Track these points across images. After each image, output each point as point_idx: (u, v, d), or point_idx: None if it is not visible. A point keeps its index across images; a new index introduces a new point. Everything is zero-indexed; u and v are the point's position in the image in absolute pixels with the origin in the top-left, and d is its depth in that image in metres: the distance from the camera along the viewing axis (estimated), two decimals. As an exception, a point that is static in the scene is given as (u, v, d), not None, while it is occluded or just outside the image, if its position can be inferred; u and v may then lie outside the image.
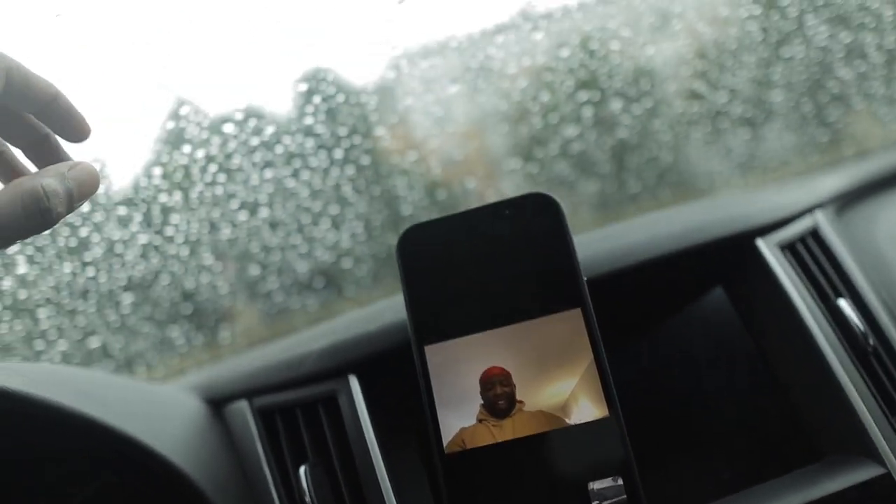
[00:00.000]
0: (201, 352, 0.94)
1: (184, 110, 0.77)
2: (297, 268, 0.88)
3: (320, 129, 0.79)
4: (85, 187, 0.37)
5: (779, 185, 0.94)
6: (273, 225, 0.83)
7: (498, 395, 0.46)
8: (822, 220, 0.64)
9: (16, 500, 0.51)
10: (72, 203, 0.36)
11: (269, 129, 0.80)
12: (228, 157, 0.76)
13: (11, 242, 0.33)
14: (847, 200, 0.75)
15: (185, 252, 0.81)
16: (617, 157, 0.95)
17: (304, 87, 0.82)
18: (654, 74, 0.94)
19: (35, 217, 0.34)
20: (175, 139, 0.78)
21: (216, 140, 0.75)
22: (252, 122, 0.80)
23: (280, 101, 0.83)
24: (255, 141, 0.77)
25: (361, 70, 0.84)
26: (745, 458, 0.52)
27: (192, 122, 0.77)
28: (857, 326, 0.54)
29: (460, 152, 0.89)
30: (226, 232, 0.82)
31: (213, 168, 0.76)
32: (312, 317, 0.94)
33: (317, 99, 0.81)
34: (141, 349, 0.90)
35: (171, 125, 0.79)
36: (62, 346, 0.84)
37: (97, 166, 0.36)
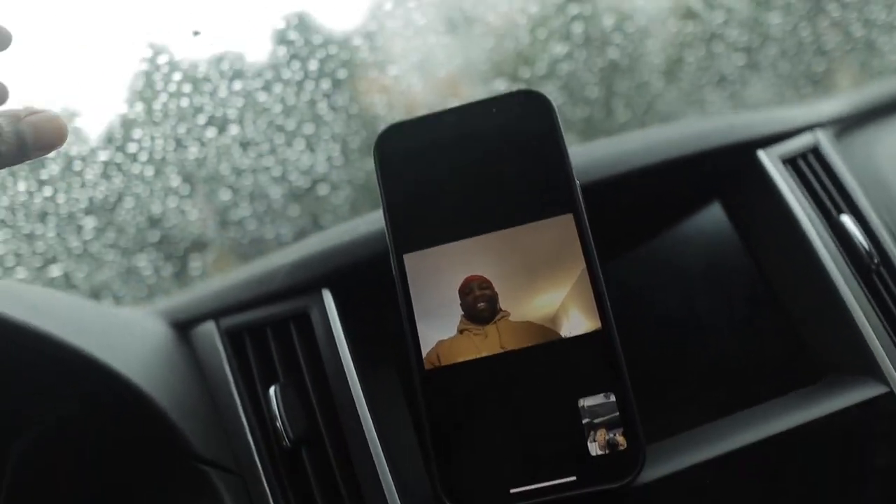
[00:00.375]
0: (171, 282, 0.90)
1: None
2: (271, 193, 0.84)
3: (293, 35, 0.74)
4: (44, 136, 0.33)
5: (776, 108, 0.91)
6: (244, 144, 0.78)
7: (477, 297, 0.43)
8: (823, 139, 0.61)
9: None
10: (24, 149, 0.33)
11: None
12: (194, 64, 0.71)
13: None
14: (846, 125, 0.73)
15: (149, 172, 0.76)
16: (607, 81, 0.90)
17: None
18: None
19: None
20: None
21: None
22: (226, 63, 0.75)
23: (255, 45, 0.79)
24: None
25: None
26: (741, 379, 0.50)
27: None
28: (861, 244, 0.51)
29: (443, 70, 0.85)
30: (193, 150, 0.77)
31: (177, 76, 0.71)
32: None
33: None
34: (106, 279, 0.86)
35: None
36: (20, 273, 0.79)
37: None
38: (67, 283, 0.84)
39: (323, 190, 0.87)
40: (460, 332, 0.43)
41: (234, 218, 0.87)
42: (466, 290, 0.44)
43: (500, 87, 0.88)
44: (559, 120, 0.45)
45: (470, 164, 0.45)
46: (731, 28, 0.93)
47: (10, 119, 0.32)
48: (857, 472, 0.43)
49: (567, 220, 0.44)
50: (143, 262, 0.87)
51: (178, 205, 0.82)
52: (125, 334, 0.52)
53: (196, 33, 0.67)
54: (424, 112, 0.47)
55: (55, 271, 0.82)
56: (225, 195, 0.84)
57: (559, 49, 0.86)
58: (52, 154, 0.73)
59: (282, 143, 0.80)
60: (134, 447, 0.50)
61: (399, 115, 0.85)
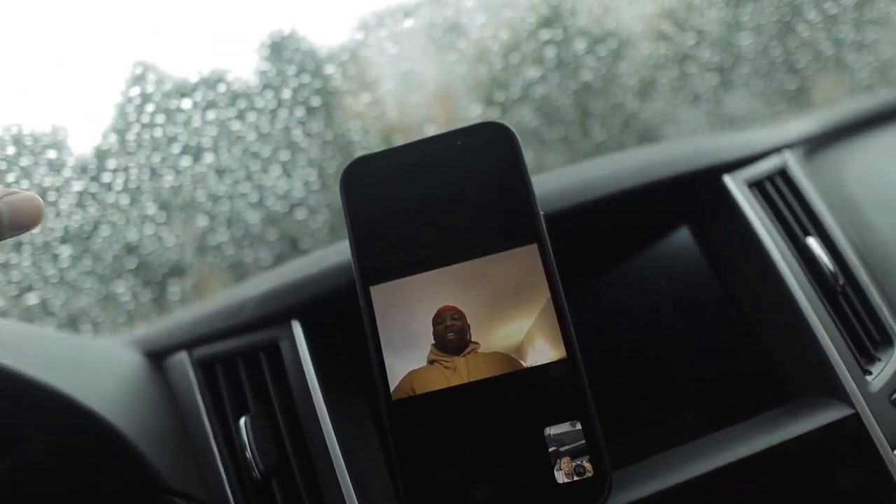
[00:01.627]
0: (150, 308, 0.90)
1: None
2: (248, 219, 0.84)
3: (265, 66, 0.74)
4: (20, 216, 0.33)
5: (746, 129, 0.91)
6: (219, 172, 0.78)
7: (448, 327, 0.43)
8: (791, 160, 0.62)
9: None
10: None
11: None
12: (166, 96, 0.71)
13: None
14: (816, 144, 0.73)
15: (124, 200, 0.76)
16: (581, 103, 0.91)
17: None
18: (620, 13, 0.90)
19: None
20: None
21: (151, 77, 0.70)
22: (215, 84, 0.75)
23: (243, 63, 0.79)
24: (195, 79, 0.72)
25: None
26: (709, 403, 0.50)
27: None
28: (827, 266, 0.52)
29: (417, 95, 0.85)
30: (168, 179, 0.77)
31: (149, 108, 0.71)
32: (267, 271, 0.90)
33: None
34: (84, 305, 0.85)
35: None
36: (-3, 302, 0.79)
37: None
38: (45, 310, 0.83)
39: (301, 214, 0.87)
40: (430, 362, 0.43)
41: (212, 243, 0.86)
42: (438, 321, 0.44)
43: (475, 111, 0.88)
44: (522, 151, 0.46)
45: (435, 195, 0.46)
46: (703, 49, 0.94)
47: None
48: (820, 495, 0.44)
49: (532, 250, 0.44)
50: (121, 288, 0.87)
51: (154, 231, 0.82)
52: (96, 367, 0.52)
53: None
54: (400, 137, 0.47)
55: (32, 299, 0.82)
56: (202, 221, 0.84)
57: (532, 73, 0.87)
58: (24, 185, 0.73)
59: (258, 170, 0.81)
60: (105, 480, 0.50)
61: (374, 140, 0.86)
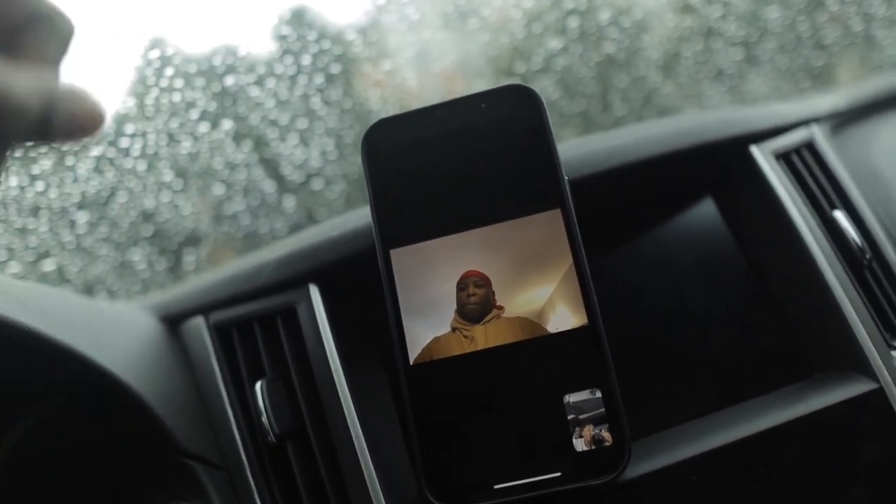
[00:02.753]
0: (165, 277, 0.90)
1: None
2: (264, 188, 0.84)
3: (285, 30, 0.73)
4: (76, 123, 0.26)
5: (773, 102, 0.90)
6: (237, 139, 0.78)
7: (470, 294, 0.43)
8: (818, 134, 0.61)
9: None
10: (48, 133, 0.26)
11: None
12: (186, 60, 0.70)
13: None
14: (843, 120, 0.72)
15: (142, 167, 0.76)
16: (603, 76, 0.90)
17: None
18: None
19: None
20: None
21: (171, 41, 0.69)
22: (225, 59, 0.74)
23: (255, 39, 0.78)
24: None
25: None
26: (730, 376, 0.49)
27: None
28: (854, 239, 0.51)
29: (438, 65, 0.84)
30: (185, 145, 0.76)
31: (169, 71, 0.71)
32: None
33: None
34: (100, 273, 0.85)
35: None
36: (14, 268, 0.79)
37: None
38: (61, 277, 0.84)
39: (317, 184, 0.86)
40: (453, 329, 0.43)
41: (227, 212, 0.86)
42: (462, 286, 0.43)
43: (496, 82, 0.87)
44: (548, 115, 0.45)
45: (458, 159, 0.45)
46: (729, 22, 0.92)
47: (43, 98, 0.26)
48: (844, 469, 0.43)
49: (555, 215, 0.43)
50: (137, 256, 0.87)
51: (171, 199, 0.81)
52: (114, 330, 0.51)
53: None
54: (418, 107, 0.47)
55: (48, 266, 0.82)
56: (219, 189, 0.83)
57: (555, 44, 0.86)
58: (43, 148, 0.73)
59: (275, 138, 0.80)
60: (121, 442, 0.50)
61: (393, 110, 0.85)
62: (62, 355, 0.44)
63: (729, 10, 0.91)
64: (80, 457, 0.51)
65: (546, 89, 0.81)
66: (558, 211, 0.43)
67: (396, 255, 0.44)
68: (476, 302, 0.43)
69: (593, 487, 0.39)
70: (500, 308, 0.43)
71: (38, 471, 0.50)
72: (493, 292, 0.43)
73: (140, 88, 0.71)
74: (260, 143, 0.79)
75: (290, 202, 0.88)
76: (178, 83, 0.72)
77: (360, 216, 0.53)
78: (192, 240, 0.87)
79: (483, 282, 0.43)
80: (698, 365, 0.50)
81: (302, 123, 0.80)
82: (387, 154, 0.46)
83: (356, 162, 0.85)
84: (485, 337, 0.42)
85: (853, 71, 0.99)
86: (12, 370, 0.46)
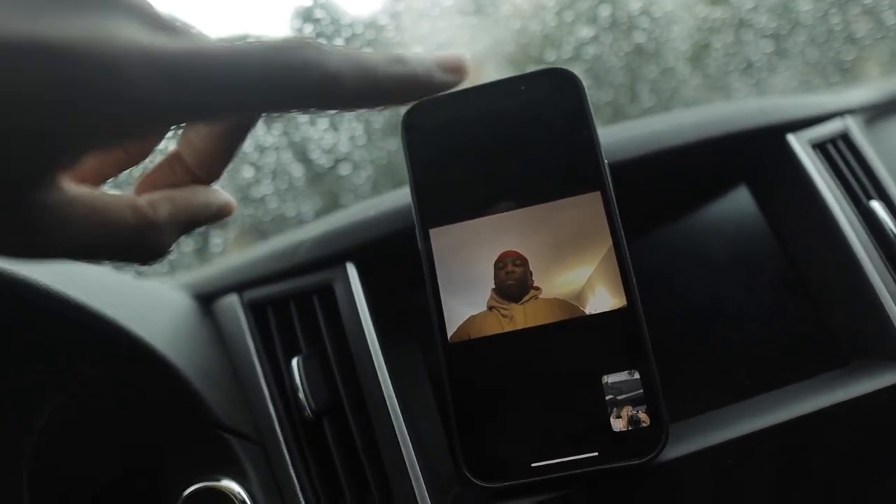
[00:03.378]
0: (192, 259, 0.91)
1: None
2: (293, 171, 0.84)
3: (319, 13, 0.73)
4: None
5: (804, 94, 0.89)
6: (267, 122, 0.78)
7: (508, 272, 0.43)
8: (853, 125, 0.61)
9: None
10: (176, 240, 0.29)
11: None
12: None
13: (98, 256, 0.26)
14: (876, 113, 0.72)
15: (172, 146, 0.76)
16: (632, 66, 0.89)
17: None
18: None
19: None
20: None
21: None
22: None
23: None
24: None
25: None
26: (767, 362, 0.50)
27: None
28: (892, 229, 0.51)
29: (469, 51, 0.84)
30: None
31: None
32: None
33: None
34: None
35: None
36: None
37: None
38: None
39: (345, 169, 0.86)
40: (489, 308, 0.43)
41: (255, 195, 0.86)
42: (500, 265, 0.44)
43: (526, 69, 0.87)
44: (588, 98, 0.45)
45: (497, 140, 0.45)
46: (760, 14, 0.91)
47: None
48: (882, 457, 0.43)
49: (595, 197, 0.43)
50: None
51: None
52: (150, 304, 0.52)
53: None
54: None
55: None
56: (248, 172, 0.84)
57: (585, 32, 0.86)
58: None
59: (305, 122, 0.80)
60: (158, 414, 0.51)
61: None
62: (101, 326, 0.45)
63: (760, 1, 0.91)
64: (118, 427, 0.51)
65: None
66: (598, 193, 0.43)
67: (436, 234, 0.45)
68: (514, 280, 0.43)
69: (630, 468, 0.40)
70: (538, 289, 0.43)
71: (77, 440, 0.51)
72: (531, 273, 0.43)
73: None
74: (290, 127, 0.79)
75: (316, 186, 0.88)
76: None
77: (396, 197, 0.53)
78: (220, 222, 0.88)
79: (521, 261, 0.44)
80: (732, 351, 0.50)
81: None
82: (426, 135, 0.46)
83: (384, 147, 0.85)
84: (524, 316, 0.43)
85: (884, 65, 0.98)
86: (51, 340, 0.47)
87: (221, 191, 0.29)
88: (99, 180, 0.30)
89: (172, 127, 0.24)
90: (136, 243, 0.25)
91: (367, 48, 0.81)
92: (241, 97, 0.23)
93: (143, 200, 0.26)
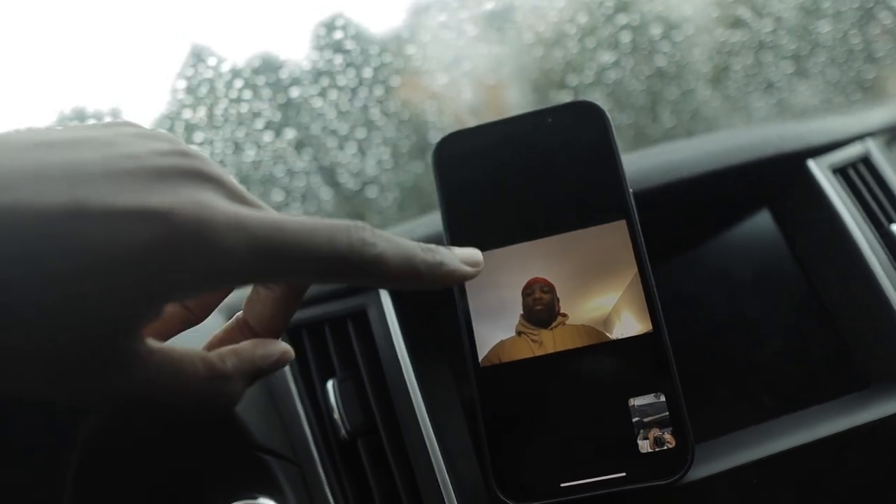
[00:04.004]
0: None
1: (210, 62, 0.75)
2: (321, 195, 0.86)
3: (350, 45, 0.76)
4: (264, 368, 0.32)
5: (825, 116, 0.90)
6: (298, 147, 0.81)
7: (537, 298, 0.45)
8: (874, 148, 0.62)
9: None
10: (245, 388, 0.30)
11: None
12: (255, 72, 0.73)
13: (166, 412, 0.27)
14: (896, 134, 0.72)
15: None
16: (653, 89, 0.91)
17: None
18: (697, -3, 0.89)
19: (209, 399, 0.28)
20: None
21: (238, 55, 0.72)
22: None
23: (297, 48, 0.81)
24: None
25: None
26: (785, 385, 0.51)
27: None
28: (912, 252, 0.52)
29: (492, 77, 0.86)
30: (250, 154, 0.79)
31: (238, 83, 0.74)
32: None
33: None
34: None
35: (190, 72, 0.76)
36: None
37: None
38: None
39: (372, 192, 0.89)
40: (518, 333, 0.45)
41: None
42: (528, 292, 0.45)
43: (548, 95, 0.89)
44: (613, 129, 0.47)
45: (525, 170, 0.47)
46: (780, 36, 0.92)
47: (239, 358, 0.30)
48: (905, 477, 0.44)
49: (620, 225, 0.45)
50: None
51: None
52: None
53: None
54: (473, 119, 0.49)
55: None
56: (278, 196, 0.86)
57: (607, 57, 0.87)
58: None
59: (334, 147, 0.83)
60: (197, 435, 0.52)
61: (449, 122, 0.87)
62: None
63: (780, 24, 0.92)
64: (157, 447, 0.53)
65: (597, 101, 0.82)
66: (623, 222, 0.45)
67: (466, 261, 0.46)
68: (542, 306, 0.45)
69: (657, 488, 0.41)
70: (565, 315, 0.45)
71: (114, 465, 0.52)
72: (558, 299, 0.45)
73: (210, 99, 0.74)
74: (320, 152, 0.82)
75: (344, 209, 0.90)
76: (247, 94, 0.75)
77: (427, 223, 0.55)
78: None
79: (549, 288, 0.45)
80: (754, 373, 0.51)
81: (360, 133, 0.83)
82: (457, 165, 0.48)
83: (411, 171, 0.87)
84: (552, 342, 0.44)
85: (905, 85, 0.99)
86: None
87: (280, 342, 0.32)
88: (165, 336, 0.33)
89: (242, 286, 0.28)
90: (208, 393, 0.28)
91: (394, 76, 0.84)
92: (311, 266, 0.26)
93: (213, 354, 0.28)
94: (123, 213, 0.23)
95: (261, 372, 0.30)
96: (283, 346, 0.32)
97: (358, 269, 0.28)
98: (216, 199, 0.25)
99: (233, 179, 0.27)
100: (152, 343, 0.26)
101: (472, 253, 0.34)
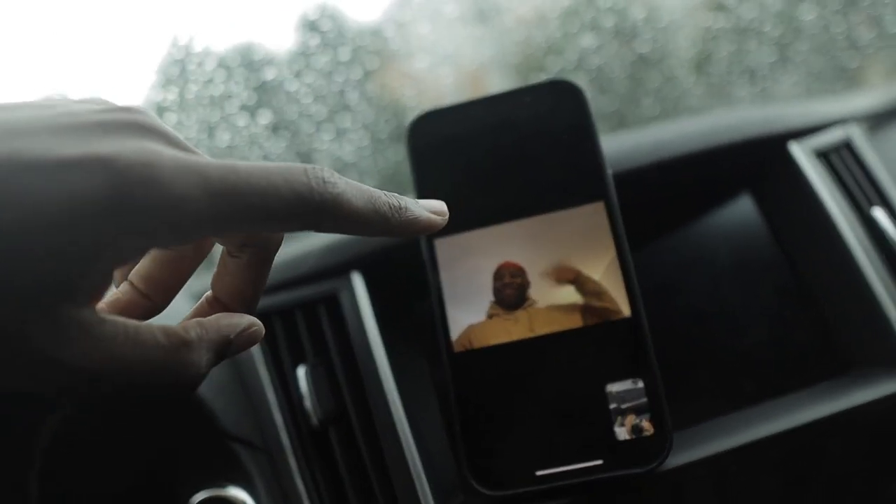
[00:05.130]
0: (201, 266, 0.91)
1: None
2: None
3: (326, 25, 0.74)
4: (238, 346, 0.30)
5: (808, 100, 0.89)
6: (274, 130, 0.79)
7: (506, 283, 0.44)
8: (856, 133, 0.61)
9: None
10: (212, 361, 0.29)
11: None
12: (229, 53, 0.71)
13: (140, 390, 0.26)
14: (879, 120, 0.72)
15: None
16: (635, 75, 0.90)
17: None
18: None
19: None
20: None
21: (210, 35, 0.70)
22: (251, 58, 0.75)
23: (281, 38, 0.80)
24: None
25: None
26: (769, 370, 0.50)
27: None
28: (894, 237, 0.51)
29: (473, 60, 0.85)
30: (224, 138, 0.78)
31: (211, 64, 0.72)
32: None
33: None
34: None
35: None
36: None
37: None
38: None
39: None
40: (489, 316, 0.44)
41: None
42: (498, 276, 0.44)
43: (529, 79, 0.87)
44: (591, 109, 0.45)
45: (502, 151, 0.46)
46: (763, 22, 0.92)
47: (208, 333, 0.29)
48: (884, 465, 0.43)
49: (598, 207, 0.44)
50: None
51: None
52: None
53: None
54: (457, 101, 0.47)
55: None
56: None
57: (589, 41, 0.86)
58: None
59: (311, 133, 0.81)
60: (164, 423, 0.51)
61: (428, 105, 0.86)
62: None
63: (763, 10, 0.91)
64: (123, 438, 0.52)
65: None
66: (601, 203, 0.44)
67: (440, 243, 0.45)
68: (512, 290, 0.44)
69: (634, 476, 0.40)
70: (533, 301, 0.43)
71: (81, 453, 0.51)
72: (530, 283, 0.44)
73: (181, 81, 0.72)
74: (296, 136, 0.80)
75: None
76: (220, 76, 0.73)
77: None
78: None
79: (518, 272, 0.44)
80: (735, 360, 0.51)
81: (338, 118, 0.81)
82: (431, 145, 0.47)
83: (390, 157, 0.86)
84: (528, 321, 0.43)
85: (887, 72, 0.99)
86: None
87: (248, 315, 0.30)
88: (161, 289, 0.31)
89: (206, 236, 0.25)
90: (171, 365, 0.26)
91: (373, 57, 0.82)
92: (270, 210, 0.25)
93: (174, 326, 0.26)
94: (65, 163, 0.21)
95: (228, 344, 0.28)
96: (250, 318, 0.30)
97: (319, 210, 0.26)
98: (162, 147, 0.24)
99: (178, 134, 0.26)
100: (103, 313, 0.24)
101: (438, 204, 0.33)
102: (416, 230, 0.31)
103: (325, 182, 0.26)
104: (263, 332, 0.31)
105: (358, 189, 0.28)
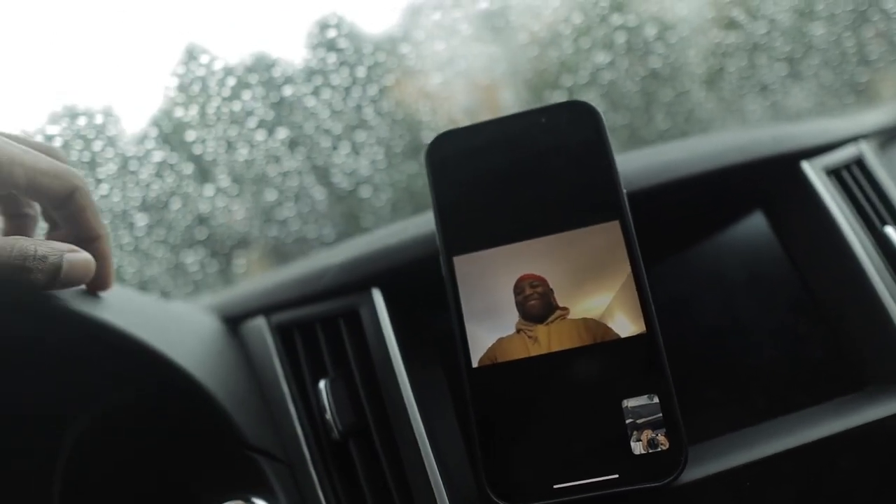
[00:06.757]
0: (215, 279, 0.92)
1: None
2: (315, 194, 0.86)
3: (343, 43, 0.75)
4: (74, 274, 0.40)
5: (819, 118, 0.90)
6: (291, 146, 0.80)
7: (528, 295, 0.45)
8: (868, 150, 0.62)
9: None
10: (54, 279, 0.38)
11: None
12: (248, 70, 0.73)
13: None
14: (890, 136, 0.72)
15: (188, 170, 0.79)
16: (647, 90, 0.91)
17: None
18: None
19: (12, 270, 0.36)
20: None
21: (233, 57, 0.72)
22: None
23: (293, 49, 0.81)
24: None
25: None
26: (782, 386, 0.50)
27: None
28: (906, 254, 0.51)
29: (486, 77, 0.86)
30: (243, 153, 0.79)
31: (231, 81, 0.73)
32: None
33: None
34: (155, 274, 0.88)
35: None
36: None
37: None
38: (118, 277, 0.86)
39: (366, 192, 0.88)
40: (517, 331, 0.45)
41: (278, 217, 0.89)
42: (518, 290, 0.45)
43: (543, 95, 0.89)
44: (606, 129, 0.46)
45: (519, 171, 0.47)
46: (774, 38, 0.92)
47: (54, 251, 0.38)
48: (897, 481, 0.44)
49: (614, 226, 0.45)
50: (190, 258, 0.90)
51: (226, 204, 0.84)
52: (180, 327, 0.53)
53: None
54: (467, 119, 0.48)
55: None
56: (271, 195, 0.86)
57: (602, 58, 0.87)
58: (109, 153, 0.76)
59: (328, 147, 0.82)
60: (188, 434, 0.52)
61: (442, 122, 0.87)
62: (132, 348, 0.46)
63: (774, 26, 0.92)
64: (147, 447, 0.52)
65: (591, 102, 0.82)
66: (616, 222, 0.45)
67: (459, 261, 0.46)
68: (535, 300, 0.45)
69: (650, 490, 0.41)
70: (565, 309, 0.44)
71: (106, 463, 0.52)
72: (553, 291, 0.44)
73: (202, 98, 0.74)
74: (313, 151, 0.82)
75: (337, 209, 0.90)
76: (240, 93, 0.75)
77: (420, 223, 0.54)
78: (243, 243, 0.90)
79: (539, 282, 0.45)
80: (749, 375, 0.51)
81: (355, 133, 0.83)
82: (449, 165, 0.48)
83: (404, 171, 0.87)
84: (548, 339, 0.44)
85: (896, 87, 0.99)
86: (83, 361, 0.48)
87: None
88: None
89: None
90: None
91: (388, 75, 0.83)
92: None
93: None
94: None
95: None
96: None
97: None
98: None
99: None
100: None
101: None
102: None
103: None
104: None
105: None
